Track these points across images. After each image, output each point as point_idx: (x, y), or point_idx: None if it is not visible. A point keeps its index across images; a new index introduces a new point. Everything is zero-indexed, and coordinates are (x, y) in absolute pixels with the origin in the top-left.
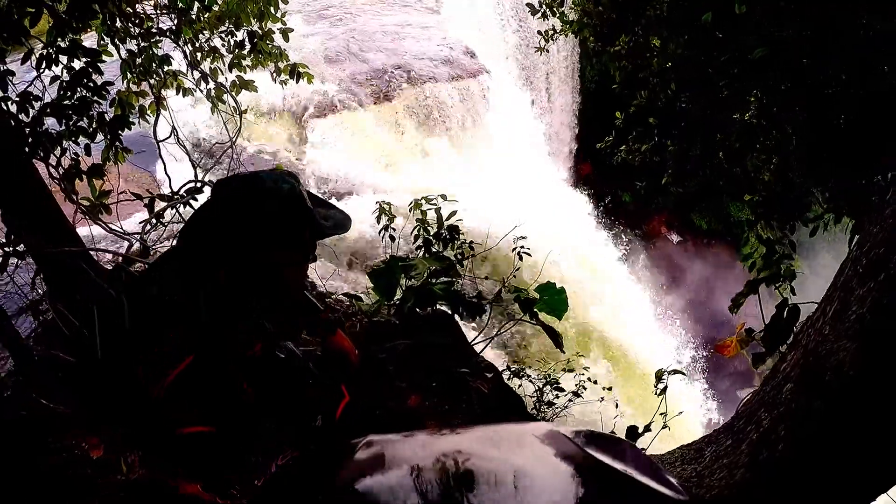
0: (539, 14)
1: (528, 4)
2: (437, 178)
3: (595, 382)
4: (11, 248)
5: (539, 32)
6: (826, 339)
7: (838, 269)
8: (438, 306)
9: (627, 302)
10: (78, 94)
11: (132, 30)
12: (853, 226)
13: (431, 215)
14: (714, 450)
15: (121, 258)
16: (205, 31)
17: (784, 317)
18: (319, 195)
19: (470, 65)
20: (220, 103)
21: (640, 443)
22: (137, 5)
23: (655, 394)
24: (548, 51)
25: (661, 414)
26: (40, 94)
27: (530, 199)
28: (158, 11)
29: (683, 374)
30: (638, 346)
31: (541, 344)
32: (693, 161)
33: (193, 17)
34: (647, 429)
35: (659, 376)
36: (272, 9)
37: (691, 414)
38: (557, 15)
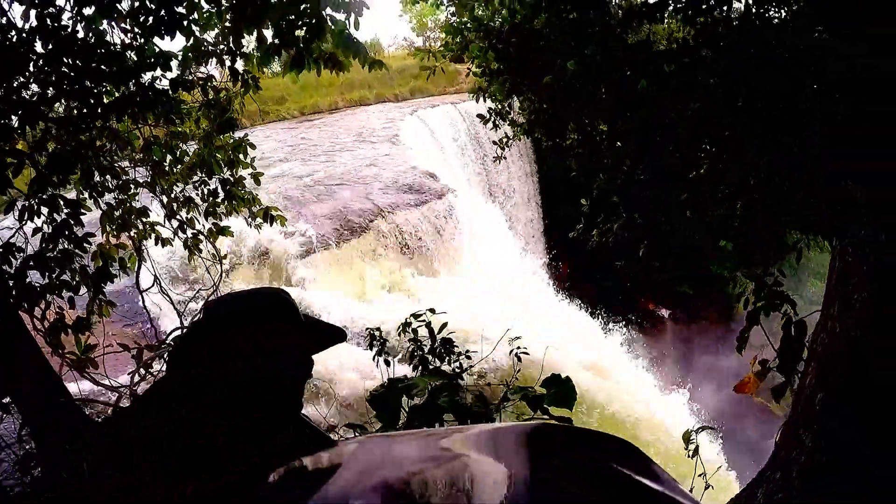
0: (490, 124)
1: (478, 115)
2: (422, 301)
3: None
4: None
5: (494, 142)
6: (841, 334)
7: (829, 270)
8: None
9: (635, 383)
10: (60, 247)
11: (109, 183)
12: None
13: (423, 332)
14: (765, 489)
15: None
16: (179, 183)
17: (793, 333)
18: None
19: (435, 187)
20: (197, 252)
21: None
22: (113, 159)
23: (688, 456)
24: (505, 157)
25: (700, 475)
26: (23, 246)
27: (517, 302)
28: (134, 165)
29: (713, 428)
30: (653, 422)
31: None
32: (663, 229)
33: (167, 168)
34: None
35: (687, 438)
36: (241, 156)
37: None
38: (507, 122)
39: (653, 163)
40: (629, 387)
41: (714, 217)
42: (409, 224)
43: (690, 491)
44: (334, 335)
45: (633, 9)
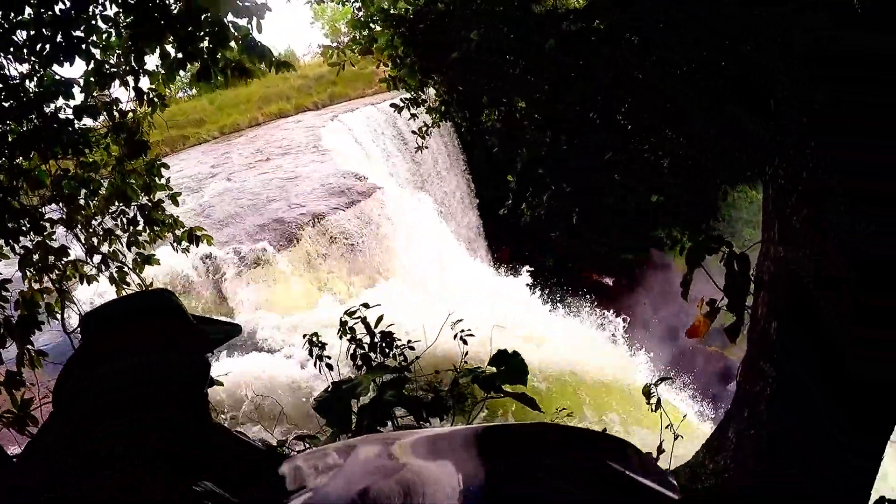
0: (408, 115)
1: (391, 105)
2: (364, 300)
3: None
4: None
5: (413, 132)
6: (786, 257)
7: (763, 194)
8: (401, 418)
9: (592, 351)
10: None
11: (23, 226)
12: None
13: (362, 329)
14: (736, 427)
15: None
16: (97, 216)
17: (736, 268)
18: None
19: (362, 187)
20: (125, 285)
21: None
22: (25, 199)
23: (652, 410)
24: (427, 147)
25: (667, 426)
26: None
27: (459, 290)
28: (44, 203)
29: (670, 378)
30: (618, 384)
31: (521, 409)
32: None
33: (82, 202)
34: (661, 449)
35: (647, 392)
36: (156, 178)
37: (692, 425)
38: (424, 108)
39: (591, 133)
40: (587, 354)
41: (645, 178)
42: (340, 227)
43: (660, 444)
44: (228, 331)
45: None
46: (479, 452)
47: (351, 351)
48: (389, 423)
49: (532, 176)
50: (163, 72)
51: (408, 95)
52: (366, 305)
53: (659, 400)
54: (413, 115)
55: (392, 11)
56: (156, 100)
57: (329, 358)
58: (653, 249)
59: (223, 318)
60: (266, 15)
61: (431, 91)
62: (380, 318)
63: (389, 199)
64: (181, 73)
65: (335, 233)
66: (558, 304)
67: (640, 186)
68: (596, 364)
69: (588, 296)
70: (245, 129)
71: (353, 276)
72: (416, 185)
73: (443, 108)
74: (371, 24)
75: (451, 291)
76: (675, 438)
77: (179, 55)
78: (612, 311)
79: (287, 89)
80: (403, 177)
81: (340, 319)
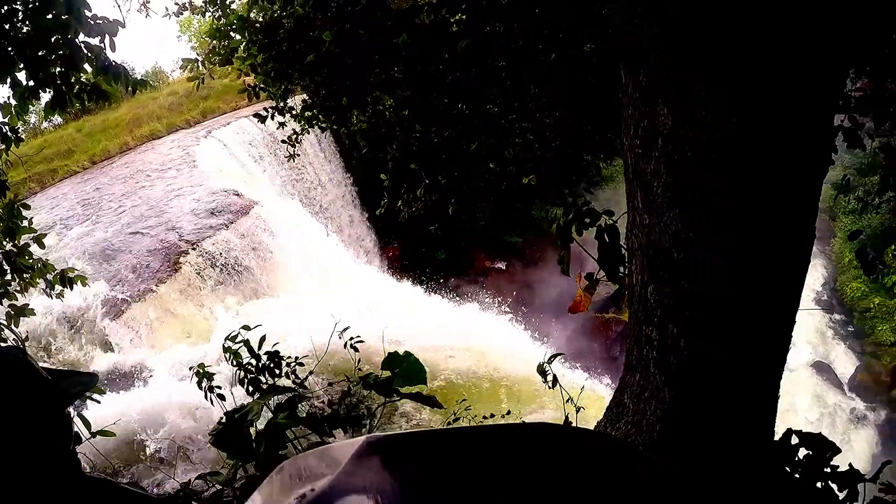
0: (274, 123)
1: (255, 115)
2: (253, 320)
3: (492, 416)
4: None
5: (283, 141)
6: (651, 224)
7: (623, 164)
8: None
9: (488, 338)
10: None
11: None
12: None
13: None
14: (631, 393)
15: None
16: None
17: (606, 239)
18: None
19: (240, 204)
20: None
21: None
22: None
23: (549, 388)
24: (298, 154)
25: (568, 401)
26: None
27: (349, 294)
28: None
29: (562, 354)
30: (516, 367)
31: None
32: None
33: None
34: (568, 423)
35: (542, 371)
36: (19, 221)
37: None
38: (291, 115)
39: (459, 124)
40: (486, 346)
41: (517, 162)
42: (221, 248)
43: (566, 418)
44: (84, 382)
45: None
46: (470, 454)
47: (240, 376)
48: (290, 446)
49: (405, 172)
50: (14, 103)
51: (272, 102)
52: (246, 328)
53: (555, 377)
54: (281, 125)
55: (250, 18)
56: (10, 134)
57: (220, 388)
58: (542, 229)
59: (79, 370)
60: (124, 32)
61: (299, 98)
62: (262, 339)
63: (269, 213)
64: (35, 102)
65: (217, 254)
66: (452, 295)
67: (512, 170)
68: (494, 349)
69: (482, 282)
70: (116, 156)
71: (239, 297)
72: (297, 194)
73: (306, 113)
74: (231, 33)
75: (340, 299)
76: (578, 411)
77: (31, 83)
78: (507, 294)
79: (157, 109)
80: (284, 188)
81: (223, 346)
